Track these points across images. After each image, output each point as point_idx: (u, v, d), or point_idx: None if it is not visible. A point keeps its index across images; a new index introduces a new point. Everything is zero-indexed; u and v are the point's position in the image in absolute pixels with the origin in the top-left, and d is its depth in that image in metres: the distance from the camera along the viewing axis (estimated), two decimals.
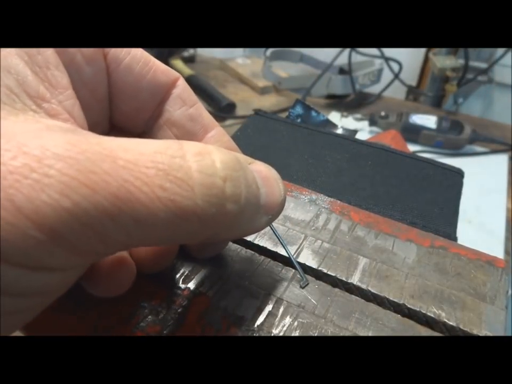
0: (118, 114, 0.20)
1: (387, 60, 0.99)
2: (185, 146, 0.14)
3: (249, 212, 0.16)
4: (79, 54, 0.17)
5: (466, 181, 0.36)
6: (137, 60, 0.18)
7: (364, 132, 0.89)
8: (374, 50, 0.99)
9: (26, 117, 0.13)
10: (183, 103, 0.20)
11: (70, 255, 0.12)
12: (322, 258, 0.23)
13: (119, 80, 0.18)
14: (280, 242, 0.23)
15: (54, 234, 0.11)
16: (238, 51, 1.27)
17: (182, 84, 0.20)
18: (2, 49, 0.14)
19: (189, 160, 0.14)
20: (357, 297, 0.21)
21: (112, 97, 0.19)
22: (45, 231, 0.11)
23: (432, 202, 0.32)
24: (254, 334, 0.19)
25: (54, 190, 0.11)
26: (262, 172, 0.17)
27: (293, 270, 0.22)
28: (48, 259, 0.12)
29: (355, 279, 0.22)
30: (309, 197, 0.27)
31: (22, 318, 0.14)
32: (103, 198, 0.12)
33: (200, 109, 0.20)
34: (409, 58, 1.29)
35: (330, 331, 0.19)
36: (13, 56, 0.14)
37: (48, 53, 0.15)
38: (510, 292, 0.24)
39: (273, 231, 0.23)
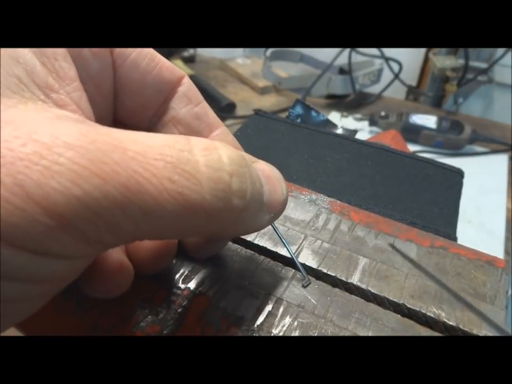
0: (123, 109, 0.20)
1: (387, 59, 0.98)
2: (192, 141, 0.14)
3: (253, 208, 0.16)
4: (86, 48, 0.17)
5: (466, 181, 0.36)
6: (143, 55, 0.18)
7: (364, 131, 0.88)
8: (374, 50, 0.99)
9: (35, 106, 0.13)
10: (189, 101, 0.20)
11: (79, 243, 0.12)
12: (322, 258, 0.23)
13: (125, 76, 0.18)
14: (282, 241, 0.23)
15: (63, 221, 0.11)
16: (238, 51, 1.27)
17: (187, 82, 0.20)
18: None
19: (197, 154, 0.14)
20: (357, 297, 0.21)
21: (117, 92, 0.19)
22: (54, 218, 0.11)
23: (432, 202, 0.32)
24: (254, 334, 0.19)
25: (64, 177, 0.11)
26: (265, 170, 0.17)
27: (293, 270, 0.22)
28: (57, 246, 0.12)
29: (355, 279, 0.22)
30: (309, 197, 0.27)
31: (29, 306, 0.14)
32: (113, 188, 0.12)
33: (206, 108, 0.21)
34: (409, 58, 1.28)
35: (330, 331, 0.19)
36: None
37: None
38: (510, 291, 0.24)
39: (275, 231, 0.23)
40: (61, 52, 0.15)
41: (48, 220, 0.11)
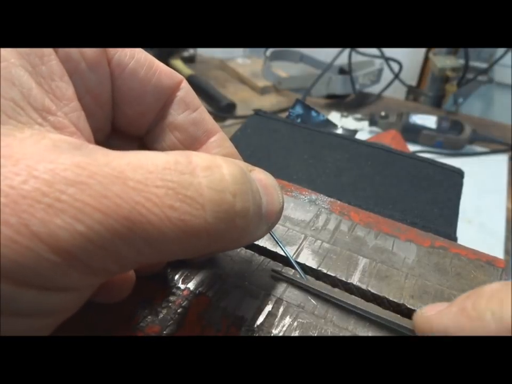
0: (122, 118, 0.19)
1: (387, 59, 0.98)
2: (194, 160, 0.14)
3: (254, 223, 0.16)
4: (83, 61, 0.16)
5: (466, 181, 0.36)
6: (141, 64, 0.18)
7: (364, 132, 0.89)
8: (374, 50, 0.99)
9: (32, 131, 0.13)
10: (187, 107, 0.20)
11: (84, 275, 0.12)
12: (322, 259, 0.23)
13: (124, 85, 0.18)
14: (280, 247, 0.23)
15: (68, 256, 0.11)
16: (238, 51, 1.27)
17: (185, 86, 0.20)
18: (6, 60, 0.13)
19: (199, 175, 0.14)
20: (357, 298, 0.21)
21: (117, 101, 0.19)
22: (60, 254, 0.11)
23: (432, 202, 0.32)
24: (254, 334, 0.19)
25: (67, 214, 0.11)
26: (262, 180, 0.17)
27: (293, 270, 0.22)
28: (63, 280, 0.12)
29: (355, 279, 0.22)
30: (308, 197, 0.27)
31: None
32: (115, 221, 0.12)
33: (203, 113, 0.20)
34: (409, 58, 1.28)
35: (330, 331, 0.19)
36: (17, 67, 0.13)
37: (53, 63, 0.15)
38: None
39: (273, 237, 0.23)
40: (57, 70, 0.15)
41: (54, 257, 0.11)
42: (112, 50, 0.17)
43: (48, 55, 0.15)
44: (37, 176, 0.11)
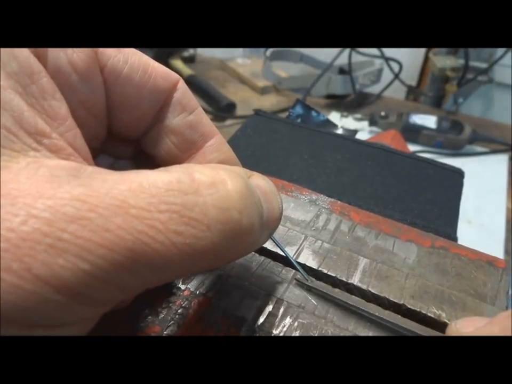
0: (118, 123, 0.19)
1: (387, 59, 0.98)
2: (197, 177, 0.14)
3: (257, 234, 0.16)
4: (74, 73, 0.16)
5: (466, 181, 0.36)
6: (135, 68, 0.18)
7: (364, 132, 0.88)
8: (374, 50, 0.99)
9: (27, 159, 0.13)
10: (183, 109, 0.19)
11: (90, 308, 0.12)
12: (323, 259, 0.23)
13: (119, 92, 0.18)
14: (281, 249, 0.22)
15: (73, 294, 0.11)
16: (238, 51, 1.27)
17: (182, 87, 0.19)
18: None
19: (203, 193, 0.13)
20: (357, 298, 0.21)
21: (112, 109, 0.18)
22: (65, 293, 0.11)
23: (432, 202, 0.32)
24: (254, 335, 0.19)
25: (70, 253, 0.11)
26: (261, 186, 0.17)
27: (293, 271, 0.22)
28: (70, 316, 0.12)
29: (355, 280, 0.22)
30: (309, 197, 0.27)
31: None
32: (119, 254, 0.12)
33: (200, 115, 0.19)
34: (409, 58, 1.28)
35: (330, 331, 0.19)
36: (6, 90, 0.13)
37: (43, 81, 0.14)
38: (510, 292, 0.24)
39: (274, 241, 0.22)
40: (48, 88, 0.14)
41: (59, 297, 0.11)
42: (104, 57, 0.17)
43: (38, 73, 0.14)
44: (36, 215, 0.11)
